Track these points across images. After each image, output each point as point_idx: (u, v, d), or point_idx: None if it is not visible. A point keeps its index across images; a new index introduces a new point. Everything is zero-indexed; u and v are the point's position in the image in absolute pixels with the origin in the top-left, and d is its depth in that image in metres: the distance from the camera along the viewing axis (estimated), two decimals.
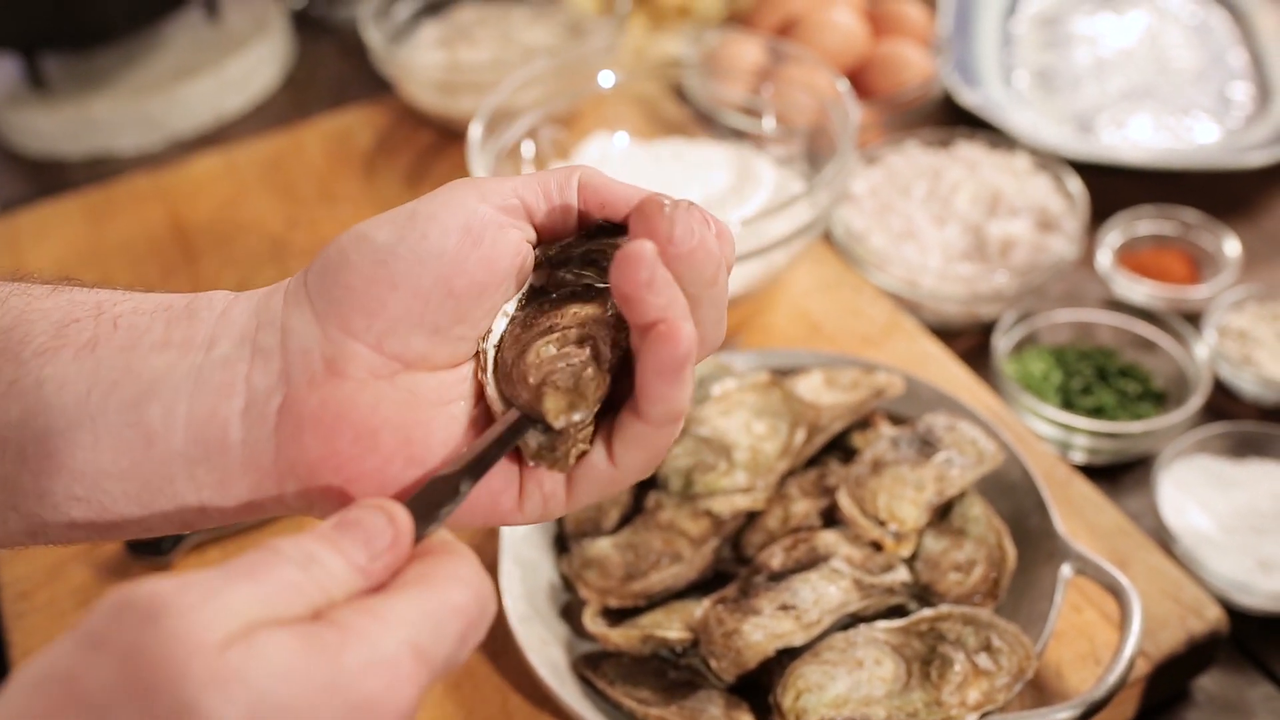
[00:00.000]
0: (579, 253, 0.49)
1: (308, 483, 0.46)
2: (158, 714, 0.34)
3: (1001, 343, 0.96)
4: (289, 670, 0.36)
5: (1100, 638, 0.76)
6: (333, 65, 1.44)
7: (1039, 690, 0.74)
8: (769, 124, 1.09)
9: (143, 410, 0.44)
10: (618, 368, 0.48)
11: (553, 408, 0.46)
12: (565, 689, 0.71)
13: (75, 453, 0.44)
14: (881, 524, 0.74)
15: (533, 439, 0.47)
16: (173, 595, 0.36)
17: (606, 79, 1.10)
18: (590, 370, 0.47)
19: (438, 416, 0.47)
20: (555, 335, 0.48)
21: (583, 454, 0.48)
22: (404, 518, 0.42)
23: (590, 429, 0.48)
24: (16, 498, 0.45)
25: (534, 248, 0.49)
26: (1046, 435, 0.92)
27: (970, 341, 1.03)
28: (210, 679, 0.35)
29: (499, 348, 0.48)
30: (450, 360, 0.47)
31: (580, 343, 0.47)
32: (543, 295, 0.50)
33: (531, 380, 0.47)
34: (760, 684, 0.72)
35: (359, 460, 0.45)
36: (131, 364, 0.45)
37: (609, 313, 0.49)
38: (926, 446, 0.78)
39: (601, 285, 0.49)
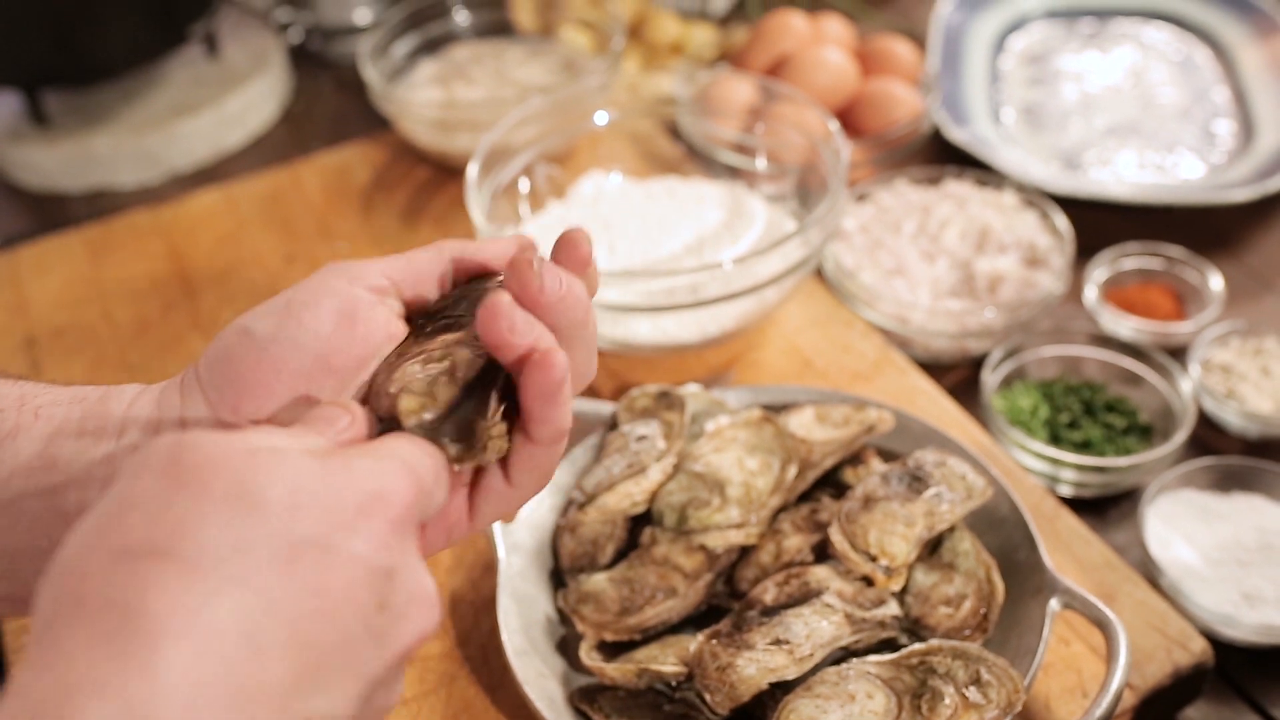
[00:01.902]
0: (452, 298, 0.56)
1: None
2: (216, 495, 0.40)
3: (990, 378, 0.98)
4: (312, 470, 0.42)
5: (1088, 670, 0.78)
6: (330, 100, 1.46)
7: None
8: (761, 162, 1.11)
9: (59, 496, 0.48)
10: (504, 390, 0.52)
11: (405, 408, 0.50)
12: None
13: None
14: (873, 559, 0.76)
15: (451, 448, 0.50)
16: (193, 432, 0.42)
17: (601, 117, 1.12)
18: (444, 379, 0.52)
19: None
20: (421, 357, 0.53)
21: (502, 450, 0.53)
22: (358, 408, 0.49)
23: (504, 427, 0.52)
24: None
25: (406, 320, 0.55)
26: (1034, 469, 0.94)
27: (960, 375, 1.04)
28: (252, 467, 0.41)
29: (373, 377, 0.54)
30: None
31: (441, 360, 0.52)
32: (419, 332, 0.55)
33: (392, 390, 0.52)
34: (754, 716, 0.73)
35: None
36: (49, 451, 0.49)
37: (471, 334, 0.53)
38: (916, 482, 0.80)
39: (467, 316, 0.54)
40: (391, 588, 0.43)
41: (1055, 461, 0.93)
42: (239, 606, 0.38)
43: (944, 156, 1.24)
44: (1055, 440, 0.96)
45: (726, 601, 0.80)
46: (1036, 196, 1.12)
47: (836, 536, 0.77)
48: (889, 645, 0.76)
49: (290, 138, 1.40)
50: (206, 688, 0.37)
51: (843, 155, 0.99)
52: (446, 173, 1.24)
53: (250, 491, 0.40)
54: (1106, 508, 0.94)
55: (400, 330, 0.54)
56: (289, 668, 0.39)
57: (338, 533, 0.41)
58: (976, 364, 1.04)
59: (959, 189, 1.14)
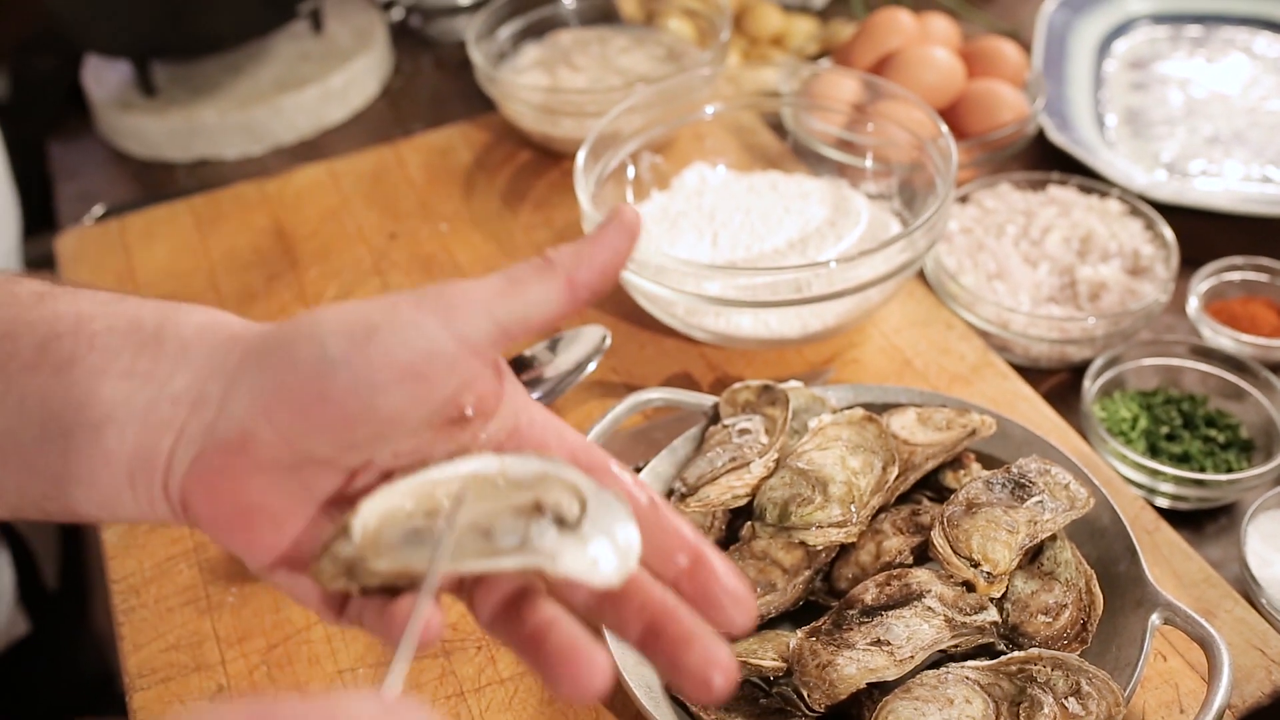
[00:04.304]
0: None
1: (191, 516, 0.50)
2: None
3: (1090, 386, 0.97)
4: None
5: (1185, 686, 0.77)
6: (430, 79, 1.48)
7: None
8: (867, 160, 1.11)
9: (102, 432, 0.49)
10: None
11: None
12: (660, 710, 0.73)
13: (49, 463, 0.50)
14: (974, 565, 0.76)
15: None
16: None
17: (707, 109, 1.12)
18: None
19: (315, 512, 0.50)
20: None
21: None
22: None
23: None
24: None
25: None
26: (1131, 479, 0.93)
27: (1058, 381, 1.04)
28: None
29: None
30: (354, 459, 0.50)
31: None
32: None
33: None
34: (850, 714, 0.74)
35: (227, 529, 0.50)
36: (98, 389, 0.49)
37: None
38: (1020, 490, 0.80)
39: None
40: None
41: (1154, 473, 0.92)
42: None
43: (1046, 160, 1.23)
44: (1153, 452, 0.95)
45: (824, 599, 0.80)
46: (1141, 204, 1.11)
47: (939, 540, 0.77)
48: (986, 651, 0.76)
49: (390, 115, 1.42)
50: None
51: (952, 157, 0.99)
52: (549, 157, 1.25)
53: None
54: (1203, 522, 0.94)
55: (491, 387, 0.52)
56: None
57: None
58: (1075, 370, 1.03)
59: (1063, 194, 1.13)
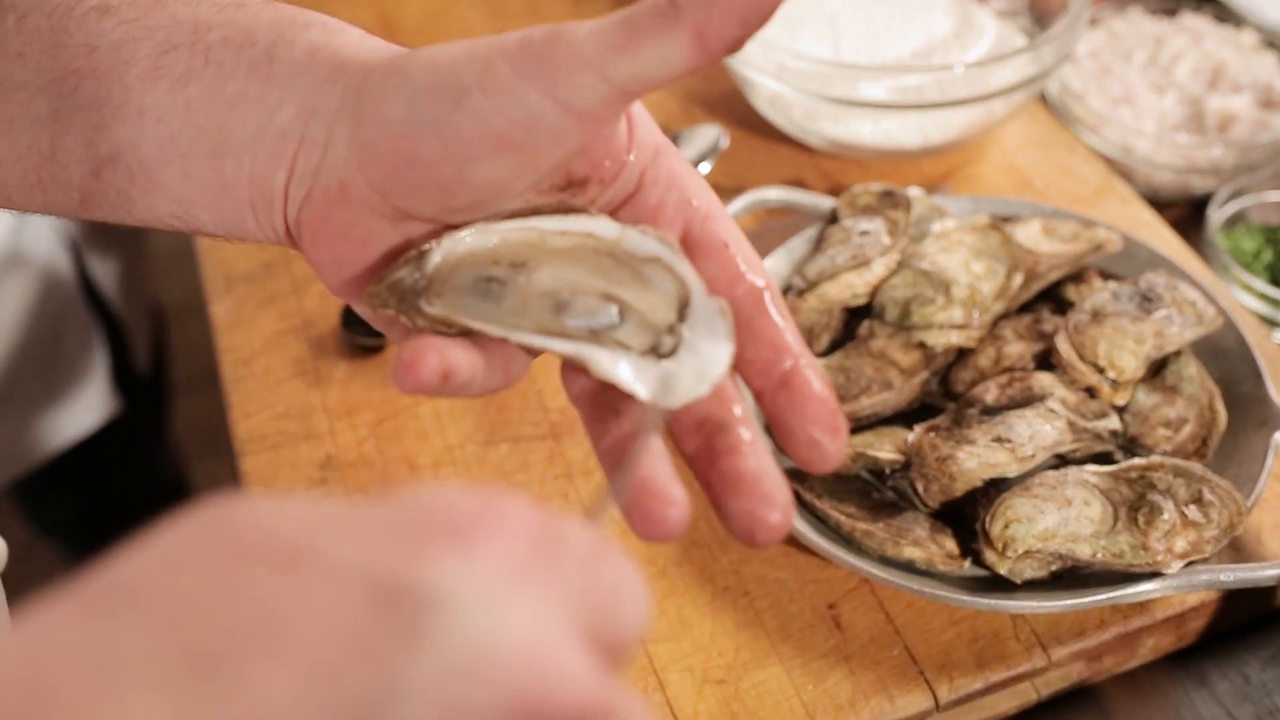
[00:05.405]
0: None
1: (299, 248, 0.48)
2: None
3: (1215, 214, 0.94)
4: None
5: None
6: None
7: (1237, 551, 0.74)
8: None
9: (220, 160, 0.47)
10: None
11: None
12: None
13: (171, 184, 0.48)
14: (1100, 371, 0.75)
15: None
16: None
17: None
18: None
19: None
20: None
21: None
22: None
23: None
24: (129, 205, 0.50)
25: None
26: (1253, 309, 0.91)
27: (1178, 213, 1.01)
28: None
29: None
30: (459, 220, 0.46)
31: None
32: None
33: None
34: (963, 513, 0.73)
35: (328, 266, 0.47)
36: (212, 115, 0.47)
37: None
38: (1147, 302, 0.78)
39: None
40: None
41: (1277, 304, 0.90)
42: None
43: None
44: (1276, 286, 0.93)
45: (940, 401, 0.79)
46: (1278, 37, 1.07)
47: (1064, 346, 0.76)
48: (1103, 460, 0.75)
49: None
50: None
51: None
52: None
53: None
54: None
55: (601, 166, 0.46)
56: None
57: None
58: (1196, 205, 1.01)
59: (1195, 23, 1.09)
